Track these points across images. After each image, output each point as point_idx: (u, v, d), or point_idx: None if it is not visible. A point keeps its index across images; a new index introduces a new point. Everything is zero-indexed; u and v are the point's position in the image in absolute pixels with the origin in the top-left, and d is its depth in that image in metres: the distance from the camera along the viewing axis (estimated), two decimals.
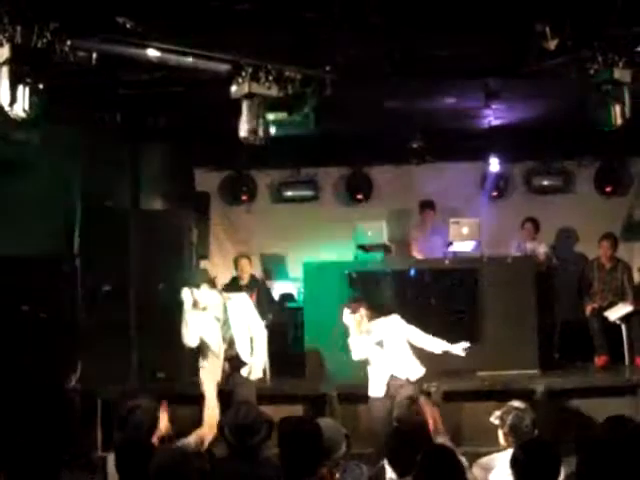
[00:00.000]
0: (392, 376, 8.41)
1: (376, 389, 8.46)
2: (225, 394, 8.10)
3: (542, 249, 11.77)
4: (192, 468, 4.31)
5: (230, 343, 8.17)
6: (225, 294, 8.49)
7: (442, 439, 5.53)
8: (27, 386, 9.34)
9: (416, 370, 8.50)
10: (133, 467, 4.80)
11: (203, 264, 11.93)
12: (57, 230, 10.28)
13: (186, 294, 8.05)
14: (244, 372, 8.19)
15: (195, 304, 8.08)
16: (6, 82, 6.51)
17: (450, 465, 4.16)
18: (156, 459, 4.53)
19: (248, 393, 7.93)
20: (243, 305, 8.34)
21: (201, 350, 8.26)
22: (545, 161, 13.11)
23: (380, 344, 8.45)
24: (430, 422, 5.84)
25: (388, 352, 8.45)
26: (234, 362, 8.18)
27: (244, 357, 8.19)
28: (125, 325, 10.44)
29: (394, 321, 8.57)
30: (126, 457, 4.89)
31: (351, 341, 8.44)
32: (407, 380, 8.39)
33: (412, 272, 11.31)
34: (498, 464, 5.44)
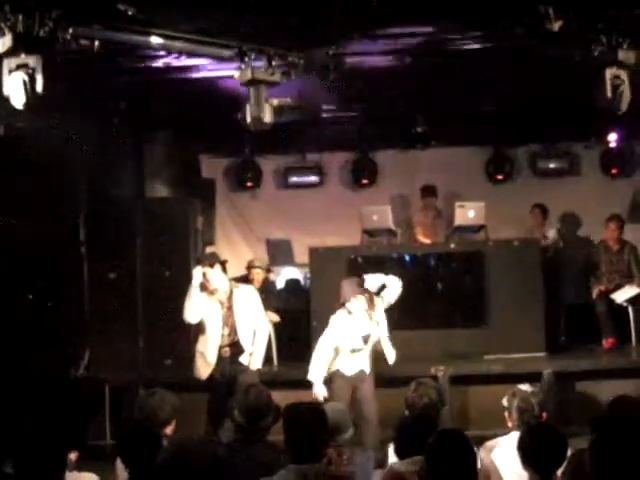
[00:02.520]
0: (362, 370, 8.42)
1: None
2: (228, 379, 8.12)
3: (550, 234, 11.76)
4: (205, 456, 4.31)
5: (232, 329, 8.19)
6: (233, 282, 8.50)
7: None
8: (34, 375, 9.38)
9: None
10: (140, 456, 4.81)
11: (209, 250, 11.92)
12: (63, 218, 10.30)
13: (197, 272, 8.08)
14: (243, 360, 8.21)
15: (204, 285, 8.10)
16: (8, 71, 6.51)
17: (462, 449, 4.16)
18: (169, 446, 4.54)
19: (252, 379, 7.95)
20: (250, 297, 8.36)
21: (199, 332, 8.28)
22: (550, 144, 13.08)
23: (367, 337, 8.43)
24: None
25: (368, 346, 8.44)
26: (234, 348, 8.19)
27: (245, 345, 8.21)
28: (132, 312, 10.45)
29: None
30: (133, 445, 4.90)
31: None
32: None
33: (407, 258, 11.33)
34: (501, 444, 5.45)
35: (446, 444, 4.20)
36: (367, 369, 8.40)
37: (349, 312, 8.30)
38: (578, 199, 12.82)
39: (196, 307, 8.08)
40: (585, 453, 3.63)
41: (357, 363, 8.36)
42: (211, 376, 8.19)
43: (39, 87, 6.49)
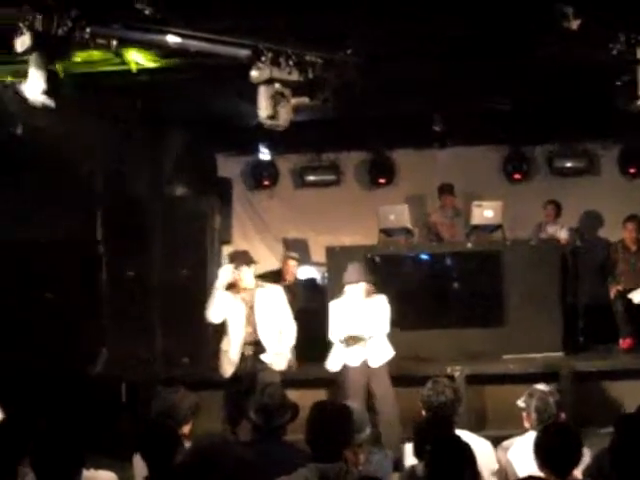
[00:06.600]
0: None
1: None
2: (247, 378, 8.12)
3: (564, 234, 11.68)
4: (229, 457, 4.31)
5: (254, 328, 8.20)
6: (258, 281, 8.49)
7: None
8: (52, 372, 9.41)
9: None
10: (159, 451, 4.82)
11: (225, 249, 11.94)
12: (80, 217, 10.33)
13: (225, 271, 8.09)
14: (266, 358, 8.22)
15: (230, 284, 8.12)
16: (30, 70, 6.55)
17: (460, 455, 4.15)
18: (193, 446, 4.54)
19: (272, 378, 7.95)
20: (275, 297, 8.34)
21: (223, 331, 8.31)
22: (567, 143, 13.02)
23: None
24: None
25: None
26: (256, 347, 8.20)
27: (266, 344, 8.21)
28: (149, 310, 10.48)
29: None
30: (154, 439, 4.91)
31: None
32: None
33: (424, 257, 11.33)
34: (518, 444, 5.45)
35: (443, 451, 4.19)
36: (374, 362, 8.42)
37: (345, 295, 8.51)
38: (596, 199, 12.76)
39: (220, 307, 8.10)
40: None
41: (360, 353, 8.39)
42: (234, 374, 8.21)
43: (58, 86, 6.53)
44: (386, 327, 8.55)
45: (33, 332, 9.71)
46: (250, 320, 8.19)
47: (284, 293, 8.52)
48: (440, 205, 12.47)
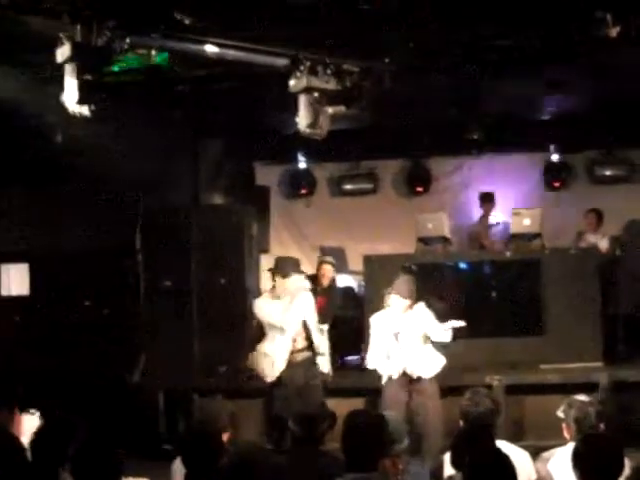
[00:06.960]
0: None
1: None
2: (292, 385, 8.15)
3: (604, 244, 11.56)
4: (268, 464, 4.31)
5: (308, 332, 8.30)
6: (297, 287, 8.58)
7: None
8: (91, 381, 9.47)
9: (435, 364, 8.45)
10: (201, 458, 4.84)
11: (263, 258, 11.95)
12: (119, 225, 10.40)
13: (271, 279, 8.27)
14: (320, 361, 8.34)
15: (276, 291, 8.26)
16: (67, 80, 6.61)
17: (498, 467, 4.11)
18: (232, 453, 4.55)
19: (316, 388, 8.06)
20: (309, 302, 8.46)
21: (265, 336, 8.37)
22: (607, 150, 12.91)
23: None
24: None
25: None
26: (309, 351, 8.31)
27: (317, 347, 8.33)
28: (187, 319, 10.51)
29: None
30: (196, 447, 4.93)
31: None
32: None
33: (462, 265, 11.27)
34: (558, 455, 5.39)
35: (481, 462, 4.15)
36: (419, 371, 8.35)
37: (387, 307, 8.46)
38: (637, 207, 12.62)
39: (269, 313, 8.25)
40: None
41: (400, 364, 8.33)
42: (278, 381, 8.24)
43: (95, 95, 6.59)
44: (436, 334, 8.45)
45: (72, 340, 9.79)
46: (300, 326, 8.31)
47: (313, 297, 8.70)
48: (481, 214, 12.44)
